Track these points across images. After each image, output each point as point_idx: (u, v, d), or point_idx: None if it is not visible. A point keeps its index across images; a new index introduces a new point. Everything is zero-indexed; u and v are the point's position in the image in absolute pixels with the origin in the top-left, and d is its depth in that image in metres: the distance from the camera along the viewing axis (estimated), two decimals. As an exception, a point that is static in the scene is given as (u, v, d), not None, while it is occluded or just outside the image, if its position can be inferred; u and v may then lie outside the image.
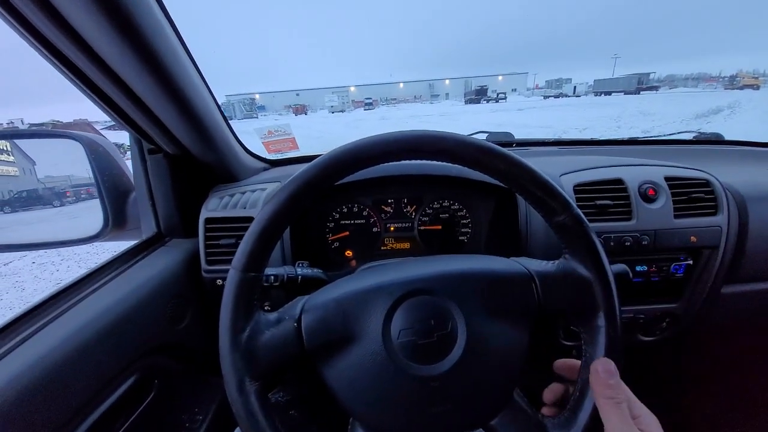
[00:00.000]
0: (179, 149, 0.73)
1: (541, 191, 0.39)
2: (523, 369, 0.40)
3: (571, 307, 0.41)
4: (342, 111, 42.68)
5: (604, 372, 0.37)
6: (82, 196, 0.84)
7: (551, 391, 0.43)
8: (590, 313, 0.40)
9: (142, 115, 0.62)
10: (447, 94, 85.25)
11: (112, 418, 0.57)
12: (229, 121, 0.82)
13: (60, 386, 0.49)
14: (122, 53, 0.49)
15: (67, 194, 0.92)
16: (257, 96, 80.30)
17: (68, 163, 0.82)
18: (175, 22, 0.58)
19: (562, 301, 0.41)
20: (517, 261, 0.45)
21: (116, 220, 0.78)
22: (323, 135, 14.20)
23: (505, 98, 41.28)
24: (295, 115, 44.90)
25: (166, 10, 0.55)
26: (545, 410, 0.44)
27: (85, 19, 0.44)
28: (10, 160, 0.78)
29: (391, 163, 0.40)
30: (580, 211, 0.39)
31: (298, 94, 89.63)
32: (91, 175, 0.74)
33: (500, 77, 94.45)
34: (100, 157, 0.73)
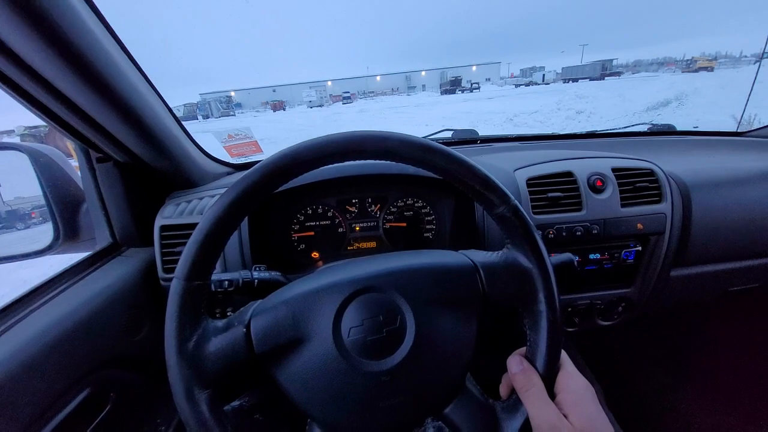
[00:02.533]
0: (129, 157, 0.71)
1: (480, 185, 0.40)
2: (473, 358, 0.41)
3: (514, 295, 0.43)
4: (320, 105, 42.28)
5: (513, 366, 0.40)
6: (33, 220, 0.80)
7: (505, 385, 0.44)
8: (531, 300, 0.41)
9: (84, 124, 0.60)
10: (424, 86, 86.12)
11: None
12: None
13: (4, 404, 0.47)
14: (55, 66, 0.48)
15: (33, 215, 0.84)
16: (233, 93, 78.87)
17: (15, 176, 0.78)
18: (116, 23, 0.56)
19: (505, 290, 0.43)
20: (463, 253, 0.46)
21: (68, 232, 0.75)
22: (306, 128, 14.85)
23: (478, 88, 42.30)
24: (273, 111, 43.93)
25: (99, 12, 0.53)
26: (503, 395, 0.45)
27: (14, 31, 0.43)
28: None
29: (352, 163, 0.40)
30: (517, 203, 0.40)
31: (274, 90, 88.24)
32: (40, 188, 0.72)
33: (474, 67, 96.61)
34: (45, 168, 0.70)
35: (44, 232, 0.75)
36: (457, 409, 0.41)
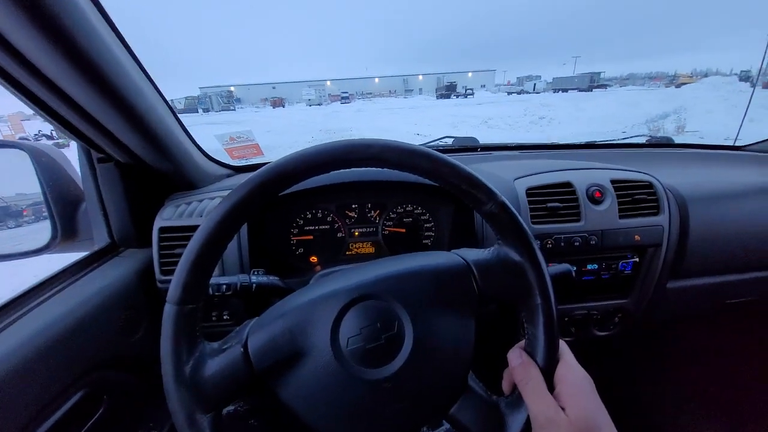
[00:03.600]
0: (130, 157, 0.71)
1: (466, 184, 0.39)
2: (474, 356, 0.41)
3: (509, 291, 0.42)
4: (319, 104, 43.26)
5: (512, 359, 0.40)
6: (44, 214, 0.76)
7: (507, 380, 0.44)
8: (527, 294, 0.41)
9: (86, 124, 0.60)
10: (420, 90, 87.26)
11: None
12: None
13: (0, 405, 0.47)
14: (59, 64, 0.48)
15: (24, 212, 0.82)
16: (233, 89, 79.07)
17: (14, 174, 0.78)
18: (119, 20, 0.57)
19: (499, 286, 0.42)
20: (455, 253, 0.46)
21: (66, 231, 0.75)
22: (307, 123, 16.43)
23: (472, 94, 43.67)
24: (273, 107, 45.32)
25: (103, 10, 0.54)
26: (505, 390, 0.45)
27: (18, 30, 0.43)
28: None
29: (351, 170, 0.40)
30: (505, 199, 0.40)
31: (274, 87, 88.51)
32: (39, 186, 0.72)
33: (470, 74, 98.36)
34: (45, 166, 0.70)
35: (35, 231, 0.74)
36: (462, 408, 0.40)
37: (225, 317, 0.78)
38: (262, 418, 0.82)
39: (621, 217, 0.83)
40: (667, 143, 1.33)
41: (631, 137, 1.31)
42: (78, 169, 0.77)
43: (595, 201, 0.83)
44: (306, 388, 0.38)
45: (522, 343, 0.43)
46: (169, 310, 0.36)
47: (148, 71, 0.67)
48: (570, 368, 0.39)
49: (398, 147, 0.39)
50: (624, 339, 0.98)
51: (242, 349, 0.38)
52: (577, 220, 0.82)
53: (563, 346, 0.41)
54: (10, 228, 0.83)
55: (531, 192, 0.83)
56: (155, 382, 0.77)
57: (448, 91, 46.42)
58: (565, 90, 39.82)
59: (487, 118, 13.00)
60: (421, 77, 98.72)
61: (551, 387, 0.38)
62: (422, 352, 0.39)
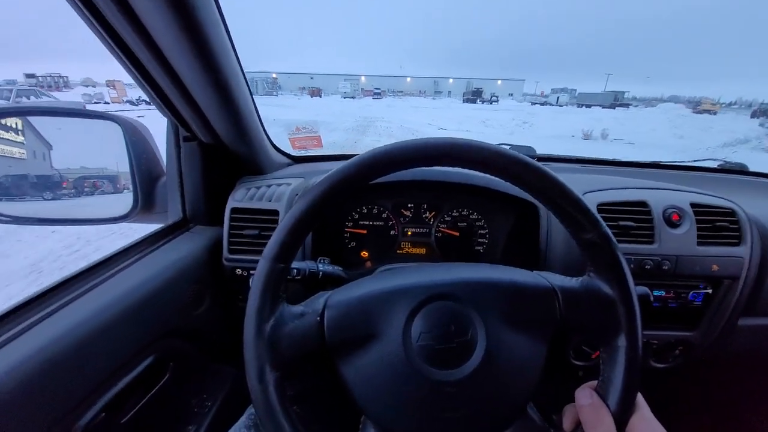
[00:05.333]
0: (213, 138, 0.75)
1: (572, 207, 0.39)
2: (539, 383, 0.40)
3: (593, 325, 0.41)
4: (353, 98, 45.61)
5: (582, 398, 0.38)
6: (86, 189, 0.81)
7: (570, 417, 0.42)
8: (611, 333, 0.39)
9: (184, 103, 0.64)
10: (450, 92, 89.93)
11: (126, 398, 0.58)
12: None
13: (79, 364, 0.50)
14: (181, 44, 0.51)
15: (64, 185, 0.81)
16: (275, 75, 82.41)
17: (102, 144, 0.82)
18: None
19: (583, 318, 0.41)
20: (540, 275, 0.45)
21: (145, 203, 0.80)
22: (345, 112, 18.16)
23: (497, 101, 44.61)
24: (311, 96, 47.78)
25: (218, 3, 0.56)
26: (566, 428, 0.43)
27: (154, 12, 0.46)
28: (18, 140, 0.72)
29: (414, 168, 0.40)
30: (608, 230, 0.39)
31: (312, 78, 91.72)
32: (128, 159, 0.76)
33: (499, 81, 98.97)
34: (136, 141, 0.75)
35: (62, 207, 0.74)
36: None
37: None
38: (307, 406, 0.83)
39: (699, 243, 0.78)
40: (741, 170, 1.24)
41: (703, 160, 1.22)
42: (159, 146, 0.82)
43: (672, 224, 0.79)
44: (369, 370, 0.38)
45: (593, 383, 0.41)
46: (263, 265, 0.38)
47: (239, 55, 0.70)
48: (647, 422, 0.37)
49: (508, 156, 0.38)
50: (681, 374, 0.92)
51: (318, 320, 0.39)
52: (651, 242, 0.78)
53: (640, 397, 0.39)
54: (47, 199, 0.80)
55: (602, 208, 0.79)
56: (212, 355, 0.81)
57: (474, 96, 47.75)
58: (588, 106, 39.83)
59: (485, 119, 16.70)
60: (451, 80, 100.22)
61: None
62: (490, 366, 0.38)
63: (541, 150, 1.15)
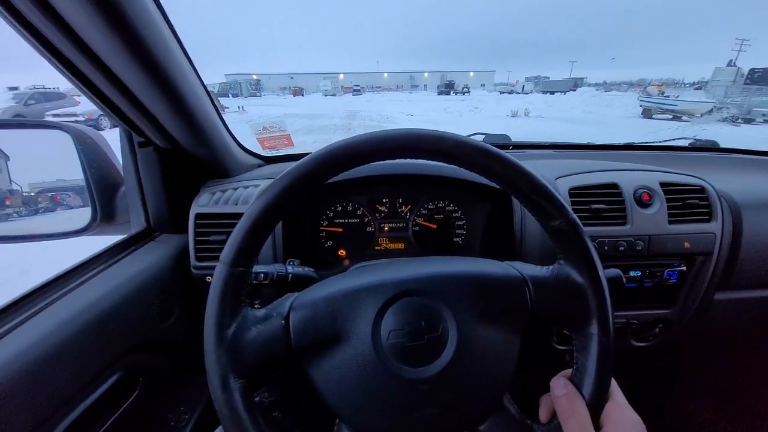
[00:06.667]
0: (170, 143, 0.71)
1: (537, 195, 0.38)
2: (513, 374, 0.40)
3: (564, 314, 0.41)
4: (334, 95, 48.56)
5: (556, 388, 0.38)
6: (41, 206, 0.79)
7: (546, 408, 0.42)
8: (583, 320, 0.39)
9: (132, 108, 0.60)
10: (425, 86, 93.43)
11: (93, 417, 0.56)
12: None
13: (40, 382, 0.47)
14: (113, 44, 0.48)
15: (8, 202, 0.78)
16: (255, 77, 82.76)
17: (55, 155, 0.78)
18: (166, 11, 0.56)
19: (554, 307, 0.41)
20: (511, 265, 0.44)
21: (105, 214, 0.76)
22: (325, 109, 19.51)
23: (469, 92, 47.04)
24: (293, 96, 49.58)
25: (158, 1, 0.53)
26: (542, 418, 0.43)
27: (78, 10, 0.43)
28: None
29: (386, 162, 0.39)
30: (575, 217, 0.39)
31: (292, 77, 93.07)
32: (80, 168, 0.73)
33: (471, 73, 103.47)
34: (88, 149, 0.71)
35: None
36: (494, 426, 0.39)
37: (256, 306, 0.77)
38: (286, 411, 0.81)
39: (671, 222, 0.79)
40: (713, 147, 1.25)
41: (674, 140, 1.24)
42: (117, 154, 0.78)
43: (643, 204, 0.79)
44: (339, 372, 0.37)
45: (567, 372, 0.41)
46: (220, 270, 0.36)
47: (190, 56, 0.67)
48: (621, 409, 0.37)
49: (472, 145, 0.37)
50: (662, 351, 0.93)
51: (283, 323, 0.38)
52: (623, 224, 0.78)
53: (614, 383, 0.39)
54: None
55: (574, 192, 0.79)
56: (187, 366, 0.78)
57: (447, 88, 50.66)
58: (552, 92, 41.93)
59: (445, 106, 20.03)
60: (426, 74, 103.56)
61: (597, 425, 0.36)
62: (462, 361, 0.37)
63: (482, 128, 1.16)
